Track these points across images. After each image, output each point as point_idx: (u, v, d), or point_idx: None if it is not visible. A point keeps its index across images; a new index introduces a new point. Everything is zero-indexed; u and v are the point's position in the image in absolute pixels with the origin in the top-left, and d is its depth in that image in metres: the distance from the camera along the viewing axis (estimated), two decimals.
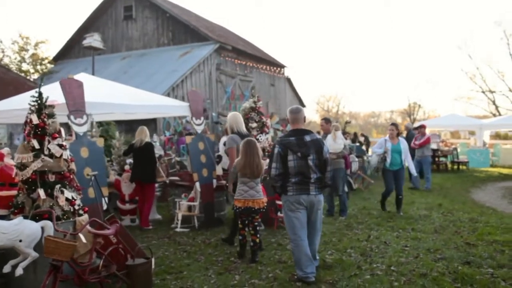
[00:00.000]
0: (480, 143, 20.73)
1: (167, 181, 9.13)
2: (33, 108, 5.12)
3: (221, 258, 6.18)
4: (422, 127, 13.20)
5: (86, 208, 5.47)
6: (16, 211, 5.04)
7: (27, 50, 24.91)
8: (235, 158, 6.42)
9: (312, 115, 65.44)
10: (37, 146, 5.03)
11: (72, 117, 6.13)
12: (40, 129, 5.07)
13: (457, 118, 22.02)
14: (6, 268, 4.49)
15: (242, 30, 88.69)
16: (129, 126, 17.17)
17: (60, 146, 5.15)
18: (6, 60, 24.31)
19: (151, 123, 16.81)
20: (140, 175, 8.23)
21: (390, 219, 8.39)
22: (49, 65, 24.95)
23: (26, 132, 5.15)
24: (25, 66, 24.72)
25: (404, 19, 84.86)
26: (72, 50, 24.20)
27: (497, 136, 26.52)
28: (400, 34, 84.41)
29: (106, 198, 6.42)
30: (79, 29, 23.17)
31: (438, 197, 11.17)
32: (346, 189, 9.18)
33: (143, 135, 8.40)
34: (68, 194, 5.09)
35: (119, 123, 17.39)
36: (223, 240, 6.95)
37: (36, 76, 24.27)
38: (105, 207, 6.37)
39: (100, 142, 6.55)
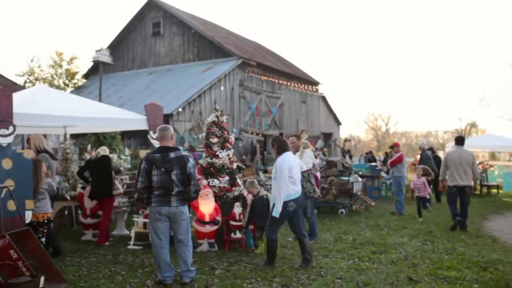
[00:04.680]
0: None
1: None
2: None
3: (138, 280, 5.81)
4: (395, 145, 12.21)
5: None
6: None
7: (61, 66, 25.83)
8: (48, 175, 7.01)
9: (361, 134, 64.15)
10: None
11: None
12: None
13: (494, 138, 20.50)
14: None
15: (282, 48, 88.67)
16: (143, 140, 17.23)
17: None
18: (41, 75, 25.30)
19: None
20: (94, 190, 8.03)
21: (359, 246, 7.70)
22: (82, 80, 25.69)
23: None
24: (57, 82, 25.54)
25: (456, 37, 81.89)
26: (104, 66, 24.78)
27: None
28: (454, 51, 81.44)
29: (30, 212, 6.22)
30: (109, 45, 23.63)
31: (439, 224, 10.23)
32: (315, 211, 8.53)
33: (101, 148, 8.24)
34: None
35: (129, 137, 17.52)
36: None
37: (69, 90, 25.04)
38: (28, 220, 6.17)
39: (27, 153, 6.35)
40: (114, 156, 10.86)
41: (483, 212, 13.33)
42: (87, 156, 9.35)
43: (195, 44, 22.60)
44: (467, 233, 9.37)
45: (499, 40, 74.50)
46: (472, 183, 9.59)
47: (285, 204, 6.05)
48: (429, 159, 13.61)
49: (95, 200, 8.25)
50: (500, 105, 56.58)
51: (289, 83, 24.76)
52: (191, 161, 5.63)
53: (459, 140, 10.03)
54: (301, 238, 6.41)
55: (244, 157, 19.34)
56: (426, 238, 8.39)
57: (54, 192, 7.03)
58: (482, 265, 6.36)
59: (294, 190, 6.13)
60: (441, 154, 17.90)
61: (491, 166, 20.62)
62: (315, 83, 28.51)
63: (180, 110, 17.68)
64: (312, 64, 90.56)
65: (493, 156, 22.95)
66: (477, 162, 19.21)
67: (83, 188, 8.81)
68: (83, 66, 38.28)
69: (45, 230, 6.73)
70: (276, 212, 6.06)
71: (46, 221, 6.69)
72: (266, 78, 23.10)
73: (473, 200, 14.77)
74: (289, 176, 6.08)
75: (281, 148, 6.33)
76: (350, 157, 21.80)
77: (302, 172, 6.41)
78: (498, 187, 17.59)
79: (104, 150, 8.23)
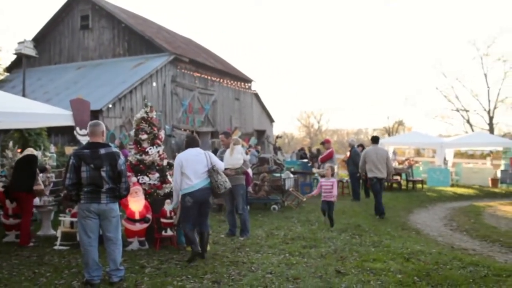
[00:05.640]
0: (440, 161, 20.23)
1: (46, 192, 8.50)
2: None
3: (64, 281, 5.59)
4: (326, 142, 12.63)
5: None
6: None
7: None
8: None
9: (294, 131, 65.21)
10: None
11: None
12: None
13: (419, 136, 21.54)
14: None
15: (214, 45, 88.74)
16: (71, 136, 16.57)
17: None
18: None
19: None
20: (13, 183, 7.64)
21: (290, 241, 7.80)
22: (4, 74, 24.39)
23: None
24: None
25: (385, 38, 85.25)
26: (28, 59, 23.62)
27: (464, 155, 26.10)
28: (383, 50, 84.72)
29: None
30: (34, 37, 22.58)
31: (368, 218, 10.58)
32: (248, 207, 8.57)
33: (28, 150, 7.90)
34: None
35: (57, 133, 16.84)
36: None
37: None
38: None
39: None
40: (38, 153, 10.40)
41: (408, 206, 13.93)
42: (9, 154, 8.89)
43: (125, 38, 22.01)
44: (393, 226, 9.79)
45: (425, 42, 78.27)
46: (386, 175, 10.79)
47: (182, 197, 6.47)
48: (358, 155, 14.00)
49: (13, 195, 7.83)
50: (425, 104, 59.42)
51: (222, 80, 24.73)
52: (122, 158, 5.54)
53: (375, 140, 11.16)
54: (202, 231, 6.68)
55: (176, 153, 19.06)
56: (355, 232, 8.65)
57: None
58: (405, 256, 6.65)
59: (188, 184, 6.42)
60: None
61: (416, 162, 21.61)
62: (248, 80, 28.65)
63: (110, 106, 17.17)
64: (245, 61, 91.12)
65: (418, 152, 24.04)
66: (403, 158, 20.25)
67: (4, 187, 8.37)
68: (5, 59, 36.12)
69: None
70: (171, 205, 7.07)
71: None
72: (199, 74, 22.92)
73: (399, 195, 15.52)
74: (181, 171, 6.43)
75: (187, 144, 6.82)
76: (281, 153, 22.10)
77: (208, 169, 6.55)
78: (422, 182, 18.48)
79: (31, 152, 7.87)
